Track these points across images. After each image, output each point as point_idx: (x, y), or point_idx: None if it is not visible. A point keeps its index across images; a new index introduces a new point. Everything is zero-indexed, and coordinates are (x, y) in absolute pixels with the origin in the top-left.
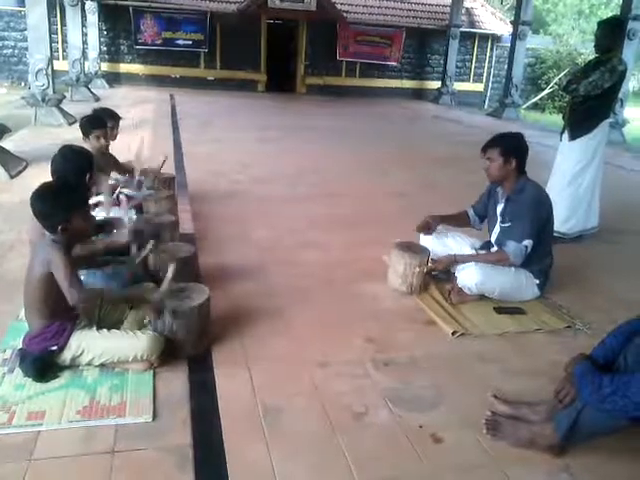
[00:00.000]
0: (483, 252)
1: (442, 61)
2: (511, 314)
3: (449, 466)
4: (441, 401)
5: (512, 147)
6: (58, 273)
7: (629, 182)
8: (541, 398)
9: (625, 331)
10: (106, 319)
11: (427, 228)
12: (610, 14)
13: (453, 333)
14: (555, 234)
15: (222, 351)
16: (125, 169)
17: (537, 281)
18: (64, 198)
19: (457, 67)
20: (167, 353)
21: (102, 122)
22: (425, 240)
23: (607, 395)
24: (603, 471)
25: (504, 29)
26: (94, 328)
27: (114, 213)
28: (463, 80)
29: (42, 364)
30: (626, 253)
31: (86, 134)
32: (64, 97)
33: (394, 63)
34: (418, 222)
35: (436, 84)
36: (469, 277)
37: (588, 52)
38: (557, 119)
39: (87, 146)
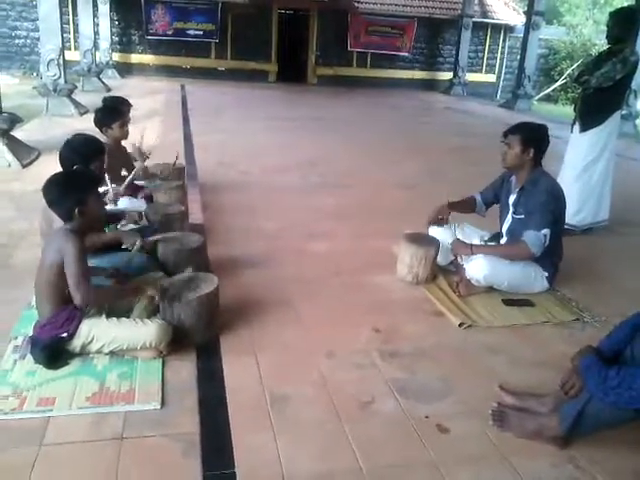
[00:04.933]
0: (493, 244)
1: (454, 51)
2: (519, 306)
3: (455, 456)
4: (448, 392)
5: (533, 137)
6: (68, 268)
7: None
8: (548, 390)
9: (632, 324)
10: (116, 307)
11: (439, 220)
12: (625, 4)
13: (460, 324)
14: (565, 226)
15: (230, 340)
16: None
17: (546, 274)
18: (75, 181)
19: (469, 58)
20: (176, 341)
21: (121, 110)
22: (434, 232)
23: (613, 387)
24: (608, 463)
25: (517, 19)
26: (104, 316)
27: (128, 204)
28: (475, 71)
29: (52, 351)
30: (636, 246)
31: (108, 125)
32: (75, 87)
33: (405, 54)
34: (427, 213)
35: (448, 75)
36: (477, 269)
37: (602, 43)
38: (570, 111)
39: (104, 138)
